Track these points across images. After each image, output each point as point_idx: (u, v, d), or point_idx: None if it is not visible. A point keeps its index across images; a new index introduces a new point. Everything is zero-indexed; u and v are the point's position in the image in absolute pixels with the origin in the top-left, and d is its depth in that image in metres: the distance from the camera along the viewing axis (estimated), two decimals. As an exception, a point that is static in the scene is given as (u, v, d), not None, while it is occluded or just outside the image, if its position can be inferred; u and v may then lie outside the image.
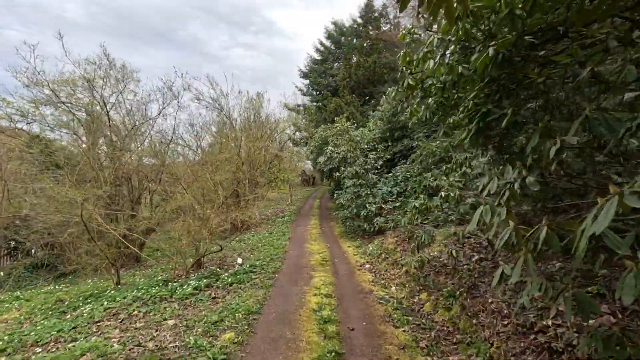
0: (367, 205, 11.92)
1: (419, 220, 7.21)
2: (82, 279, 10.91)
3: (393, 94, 4.74)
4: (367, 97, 28.57)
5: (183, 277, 8.43)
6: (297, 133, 37.30)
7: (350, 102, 25.83)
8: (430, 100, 4.36)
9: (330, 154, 15.47)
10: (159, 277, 8.57)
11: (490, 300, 4.87)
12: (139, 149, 11.98)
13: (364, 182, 12.72)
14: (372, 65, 26.33)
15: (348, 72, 28.25)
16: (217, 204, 9.57)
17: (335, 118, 19.36)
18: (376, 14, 31.51)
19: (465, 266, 5.97)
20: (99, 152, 11.02)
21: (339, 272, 8.33)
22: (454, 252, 5.09)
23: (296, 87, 35.81)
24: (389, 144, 15.99)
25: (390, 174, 13.16)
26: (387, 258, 8.94)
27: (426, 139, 12.98)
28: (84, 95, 12.54)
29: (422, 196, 7.18)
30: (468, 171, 5.92)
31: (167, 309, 6.22)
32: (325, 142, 18.75)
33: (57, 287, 10.59)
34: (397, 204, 11.31)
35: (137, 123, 12.47)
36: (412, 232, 8.94)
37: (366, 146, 15.39)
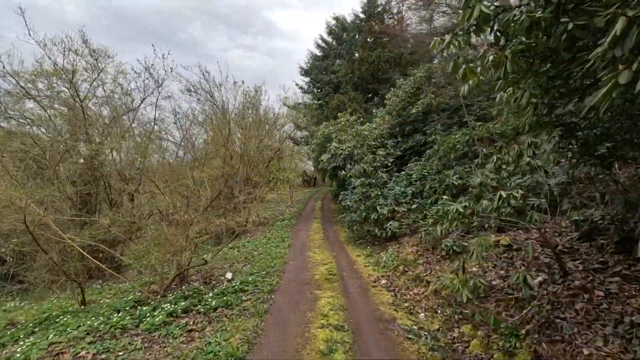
0: (377, 207, 10.33)
1: (457, 228, 5.59)
2: (49, 294, 9.32)
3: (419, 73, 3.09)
4: (371, 94, 27.01)
5: (159, 296, 6.82)
6: (298, 132, 35.83)
7: (354, 99, 24.27)
8: (508, 47, 2.78)
9: (334, 150, 13.88)
10: (130, 297, 6.96)
11: (584, 351, 3.26)
12: (117, 143, 10.41)
13: (374, 181, 11.13)
14: (376, 60, 24.77)
15: (351, 67, 26.71)
16: (202, 206, 7.97)
17: (338, 114, 17.80)
18: (379, 9, 29.99)
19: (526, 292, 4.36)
20: (63, 144, 9.40)
21: (349, 289, 6.72)
22: (528, 277, 3.47)
23: (296, 84, 34.23)
24: (399, 139, 14.41)
25: (403, 172, 11.58)
26: (407, 272, 7.34)
27: (443, 132, 11.41)
28: (60, 85, 10.98)
29: (463, 199, 5.53)
30: (527, 163, 4.34)
31: (126, 347, 4.62)
32: (328, 139, 17.18)
33: (19, 304, 8.99)
34: (413, 205, 9.71)
35: (117, 115, 10.90)
36: (437, 240, 7.37)
37: (373, 142, 13.81)
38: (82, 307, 7.20)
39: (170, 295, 6.74)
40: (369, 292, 6.56)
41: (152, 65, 11.60)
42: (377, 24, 26.51)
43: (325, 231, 13.14)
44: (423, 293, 6.22)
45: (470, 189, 7.67)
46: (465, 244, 6.57)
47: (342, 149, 13.58)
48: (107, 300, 7.38)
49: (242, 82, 17.89)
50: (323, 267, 8.17)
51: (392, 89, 16.84)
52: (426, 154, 11.03)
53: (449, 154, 9.67)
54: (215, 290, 6.80)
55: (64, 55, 9.59)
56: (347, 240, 11.49)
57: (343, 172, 12.55)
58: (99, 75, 10.30)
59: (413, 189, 10.50)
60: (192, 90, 13.79)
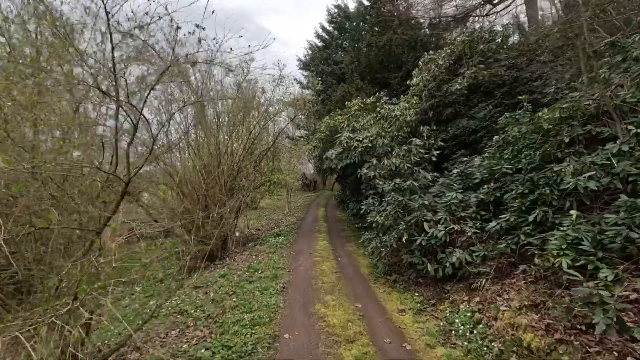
0: (424, 224, 6.25)
1: None
2: None
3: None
4: (380, 85, 22.95)
5: None
6: (297, 132, 31.71)
7: (361, 88, 20.21)
8: None
9: (346, 143, 9.79)
10: None
11: None
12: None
13: (415, 184, 7.03)
14: (387, 44, 20.78)
15: (356, 55, 22.76)
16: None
17: (346, 103, 13.75)
18: (386, -7, 26.15)
19: None
20: None
21: None
22: None
23: (295, 79, 30.20)
24: (433, 128, 10.35)
25: (457, 171, 7.44)
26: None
27: (512, 110, 7.35)
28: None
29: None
30: None
31: None
32: (335, 131, 13.14)
33: None
34: (494, 225, 5.58)
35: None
36: (587, 298, 3.25)
37: (397, 133, 9.74)
38: None
39: None
40: None
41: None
42: (387, 3, 22.58)
43: (337, 255, 8.99)
44: None
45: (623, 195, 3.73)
46: None
47: (358, 140, 9.49)
48: None
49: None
50: (349, 351, 4.03)
51: (416, 68, 12.83)
52: (496, 142, 6.93)
53: (545, 141, 5.64)
54: None
55: None
56: (372, 273, 7.35)
57: (363, 171, 8.43)
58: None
59: (479, 196, 6.39)
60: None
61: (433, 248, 6.18)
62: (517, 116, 6.74)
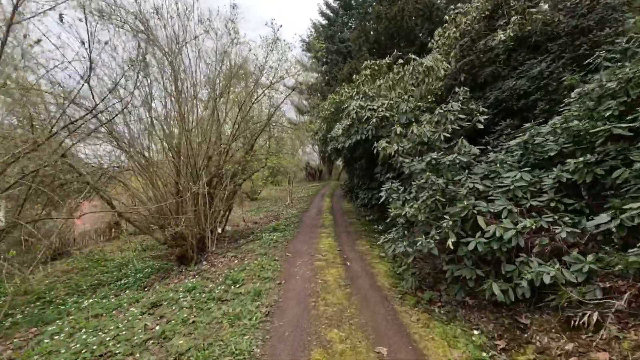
0: (478, 218, 3.98)
1: None
2: None
3: None
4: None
5: None
6: (300, 117, 29.39)
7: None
8: None
9: (356, 114, 7.45)
10: None
11: None
12: None
13: (460, 159, 4.70)
14: (399, 15, 18.14)
15: (363, 29, 20.17)
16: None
17: (354, 76, 11.34)
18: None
19: None
20: None
21: None
22: None
23: (298, 61, 27.73)
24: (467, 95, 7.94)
25: (516, 142, 5.02)
26: None
27: (574, 66, 4.95)
28: None
29: None
30: None
31: None
32: (340, 109, 10.84)
33: None
34: (604, 220, 3.27)
35: None
36: None
37: (426, 95, 7.36)
38: None
39: None
40: None
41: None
42: (399, -32, 19.80)
43: (345, 257, 6.76)
44: None
45: None
46: None
47: (371, 109, 7.15)
48: None
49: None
50: None
51: (439, 28, 10.33)
52: (582, 94, 4.53)
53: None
54: None
55: None
56: (395, 287, 5.10)
57: (381, 145, 6.07)
58: None
59: (561, 175, 4.05)
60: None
61: (494, 256, 3.92)
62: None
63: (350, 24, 25.60)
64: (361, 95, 7.86)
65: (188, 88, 8.15)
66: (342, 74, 18.78)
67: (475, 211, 4.15)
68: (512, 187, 4.34)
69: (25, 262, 9.78)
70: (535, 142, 4.87)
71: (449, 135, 5.29)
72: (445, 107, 5.65)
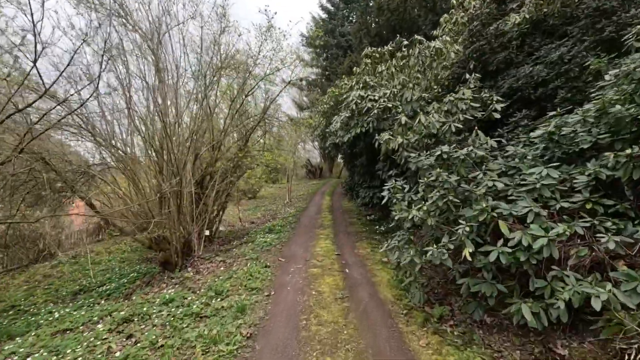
0: (499, 223, 3.29)
1: None
2: None
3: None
4: (392, 56, 19.55)
5: None
6: (300, 114, 28.69)
7: (371, 58, 16.92)
8: None
9: (355, 105, 6.74)
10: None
11: None
12: None
13: (477, 153, 3.99)
14: (401, 6, 17.35)
15: (364, 22, 19.40)
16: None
17: (354, 68, 10.61)
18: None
19: None
20: None
21: None
22: None
23: (298, 56, 26.92)
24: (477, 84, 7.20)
25: (539, 134, 4.29)
26: None
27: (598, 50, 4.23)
28: None
29: None
30: None
31: None
32: (339, 102, 10.16)
33: None
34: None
35: None
36: None
37: (434, 81, 6.64)
38: None
39: None
40: None
41: None
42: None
43: (344, 263, 6.08)
44: None
45: None
46: None
47: (372, 100, 6.44)
48: None
49: None
50: None
51: (445, 14, 9.58)
52: (620, 74, 3.81)
53: None
54: None
55: None
56: (400, 300, 4.42)
57: (383, 137, 5.34)
58: None
59: (600, 172, 3.35)
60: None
61: (520, 268, 3.24)
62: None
63: (351, 18, 24.80)
64: (361, 85, 7.15)
65: (172, 78, 7.48)
66: (343, 67, 18.05)
67: (495, 214, 3.46)
68: (538, 185, 3.64)
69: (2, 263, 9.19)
70: (563, 133, 4.15)
71: (460, 127, 4.58)
72: (455, 95, 4.93)
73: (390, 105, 6.07)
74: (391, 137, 4.96)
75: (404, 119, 4.89)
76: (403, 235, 4.21)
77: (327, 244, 7.36)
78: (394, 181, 4.56)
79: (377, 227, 8.94)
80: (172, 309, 4.47)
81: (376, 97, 6.34)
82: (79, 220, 11.57)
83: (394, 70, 6.82)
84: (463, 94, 4.99)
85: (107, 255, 10.21)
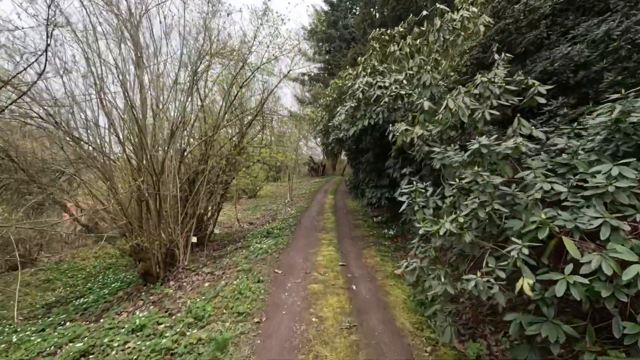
0: (564, 240, 2.35)
1: None
2: None
3: None
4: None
5: None
6: (303, 109, 27.71)
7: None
8: None
9: (362, 93, 5.79)
10: None
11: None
12: None
13: (527, 145, 3.03)
14: (408, -7, 16.30)
15: (369, 12, 18.35)
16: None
17: (358, 59, 9.63)
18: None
19: None
20: None
21: None
22: None
23: (299, 50, 25.89)
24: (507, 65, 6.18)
25: (599, 122, 3.34)
26: None
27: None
28: None
29: None
30: None
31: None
32: (343, 93, 9.22)
33: None
34: None
35: None
36: None
37: (458, 61, 5.68)
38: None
39: None
40: None
41: None
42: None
43: (349, 276, 5.17)
44: None
45: None
46: None
47: (382, 87, 5.48)
48: None
49: None
50: None
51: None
52: None
53: None
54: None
55: None
56: (421, 330, 3.51)
57: (399, 129, 4.34)
58: None
59: None
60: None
61: (597, 304, 2.31)
62: None
63: (354, 10, 23.74)
64: (369, 71, 6.19)
65: (154, 66, 6.56)
66: (346, 59, 17.06)
67: (557, 229, 2.52)
68: (610, 189, 2.69)
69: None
70: (632, 120, 3.18)
71: (497, 113, 3.63)
72: (488, 75, 3.97)
73: (403, 92, 5.11)
74: (409, 127, 4.01)
75: (426, 103, 3.95)
76: (426, 251, 3.28)
77: (330, 252, 6.44)
78: (414, 183, 3.61)
79: (386, 230, 8.02)
80: (140, 341, 3.59)
81: (386, 84, 5.39)
82: (67, 224, 10.77)
83: (408, 50, 5.85)
84: (495, 75, 4.03)
85: (93, 261, 9.40)
